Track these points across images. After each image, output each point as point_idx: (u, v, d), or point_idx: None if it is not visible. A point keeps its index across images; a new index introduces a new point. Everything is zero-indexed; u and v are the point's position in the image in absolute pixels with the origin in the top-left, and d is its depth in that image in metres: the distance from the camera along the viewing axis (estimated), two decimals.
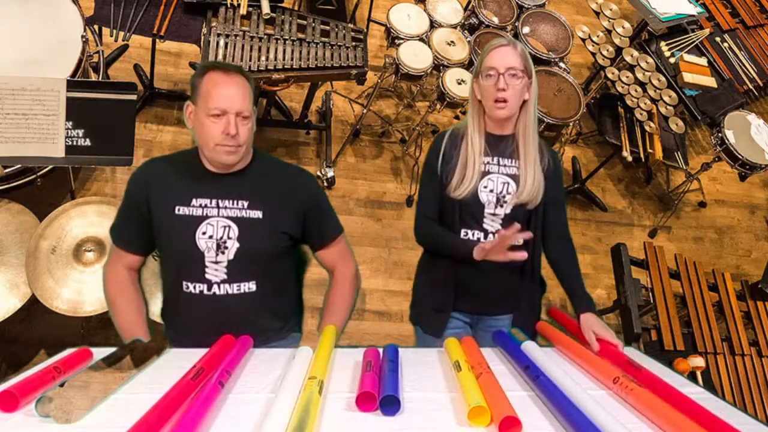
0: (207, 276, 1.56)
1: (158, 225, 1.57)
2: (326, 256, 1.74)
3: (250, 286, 1.59)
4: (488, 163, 1.72)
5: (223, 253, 1.55)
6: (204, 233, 1.54)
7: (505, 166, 1.73)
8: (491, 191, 1.71)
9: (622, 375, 1.26)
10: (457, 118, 3.81)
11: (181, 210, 1.55)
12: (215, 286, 1.57)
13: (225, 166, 1.56)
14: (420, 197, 1.84)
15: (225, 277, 1.57)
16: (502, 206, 1.71)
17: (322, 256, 1.75)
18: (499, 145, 1.73)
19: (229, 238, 1.55)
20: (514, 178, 1.72)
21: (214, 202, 1.56)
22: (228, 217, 1.56)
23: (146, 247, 1.65)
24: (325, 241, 1.72)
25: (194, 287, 1.57)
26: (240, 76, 1.51)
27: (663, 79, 3.43)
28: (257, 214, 1.58)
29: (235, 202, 1.57)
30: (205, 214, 1.55)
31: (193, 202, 1.55)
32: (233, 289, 1.58)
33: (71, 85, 2.04)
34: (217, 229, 1.55)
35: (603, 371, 1.31)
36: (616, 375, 1.26)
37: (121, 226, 1.64)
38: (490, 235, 1.72)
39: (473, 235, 1.73)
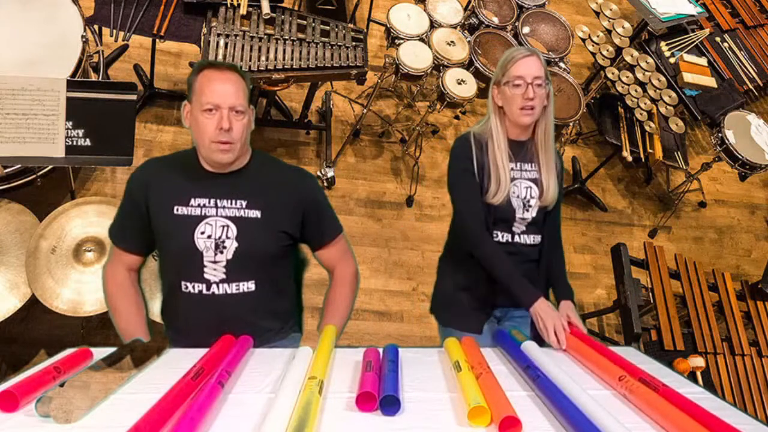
0: (206, 276, 1.56)
1: (157, 225, 1.57)
2: (326, 256, 1.74)
3: (249, 286, 1.59)
4: (512, 169, 1.77)
5: (221, 252, 1.55)
6: (202, 233, 1.54)
7: (526, 170, 1.79)
8: (518, 197, 1.76)
9: (625, 374, 1.26)
10: (457, 118, 3.81)
11: (180, 210, 1.55)
12: (214, 286, 1.56)
13: (222, 165, 1.56)
14: (459, 198, 1.81)
15: (224, 276, 1.56)
16: (528, 210, 1.77)
17: (321, 255, 1.75)
18: (520, 151, 1.79)
19: (227, 237, 1.55)
20: (535, 182, 1.78)
21: (212, 201, 1.56)
22: (226, 217, 1.56)
23: (146, 247, 1.65)
24: (325, 240, 1.72)
25: (193, 287, 1.57)
26: (233, 73, 1.51)
27: (663, 79, 3.43)
28: (256, 213, 1.58)
29: (234, 201, 1.57)
30: (203, 213, 1.55)
31: (192, 201, 1.55)
32: (232, 288, 1.57)
33: (71, 85, 2.04)
34: (216, 228, 1.55)
35: (607, 370, 1.31)
36: (621, 374, 1.26)
37: (120, 226, 1.64)
38: (517, 236, 1.79)
39: (503, 237, 1.78)
